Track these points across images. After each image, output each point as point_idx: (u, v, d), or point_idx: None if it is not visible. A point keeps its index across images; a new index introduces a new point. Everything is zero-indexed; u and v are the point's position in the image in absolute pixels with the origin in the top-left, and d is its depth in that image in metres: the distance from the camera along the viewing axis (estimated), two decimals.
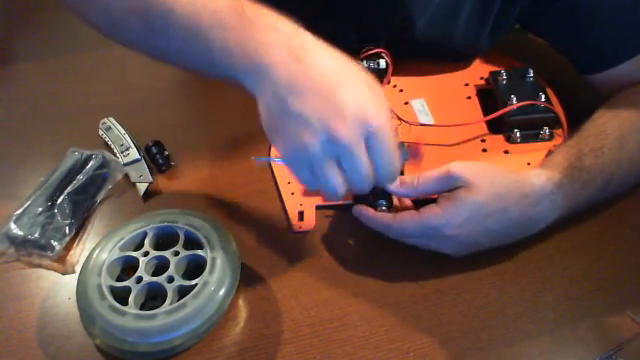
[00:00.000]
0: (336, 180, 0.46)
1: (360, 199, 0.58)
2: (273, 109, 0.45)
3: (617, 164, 0.57)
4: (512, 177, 0.54)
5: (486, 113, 0.67)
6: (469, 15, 0.69)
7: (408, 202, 0.58)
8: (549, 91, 0.69)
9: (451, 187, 0.53)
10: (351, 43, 0.70)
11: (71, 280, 0.58)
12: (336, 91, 0.44)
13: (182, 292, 0.52)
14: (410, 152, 0.58)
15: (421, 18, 0.69)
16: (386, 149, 0.45)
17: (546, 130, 0.64)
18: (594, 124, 0.60)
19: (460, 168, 0.52)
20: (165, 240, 0.56)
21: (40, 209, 0.63)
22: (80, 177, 0.66)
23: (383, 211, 0.56)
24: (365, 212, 0.56)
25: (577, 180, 0.55)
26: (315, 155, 0.44)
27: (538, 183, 0.53)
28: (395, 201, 0.58)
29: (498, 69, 0.70)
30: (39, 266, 0.60)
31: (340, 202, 0.62)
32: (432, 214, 0.52)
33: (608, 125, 0.59)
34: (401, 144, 0.56)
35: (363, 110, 0.44)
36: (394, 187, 0.54)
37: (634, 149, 0.58)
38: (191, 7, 0.47)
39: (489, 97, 0.70)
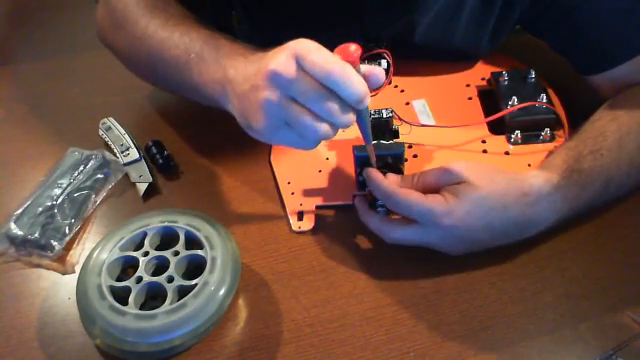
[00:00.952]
0: (310, 119, 0.46)
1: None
2: (239, 107, 0.51)
3: (616, 166, 0.57)
4: (511, 176, 0.54)
5: (487, 114, 0.67)
6: (469, 19, 0.69)
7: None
8: (550, 92, 0.69)
9: (450, 183, 0.53)
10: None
11: (71, 280, 0.58)
12: (267, 54, 0.49)
13: (182, 292, 0.52)
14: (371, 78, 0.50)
15: (422, 21, 0.69)
16: (321, 61, 0.45)
17: (547, 131, 0.64)
18: (593, 126, 0.60)
19: (460, 165, 0.53)
20: (165, 240, 0.56)
21: (40, 209, 0.63)
22: (80, 177, 0.66)
23: (383, 214, 0.57)
24: (374, 177, 0.55)
25: (576, 182, 0.55)
26: (276, 102, 0.46)
27: (536, 184, 0.54)
28: None
29: (499, 70, 0.70)
30: (39, 266, 0.60)
31: (340, 202, 0.62)
32: (436, 200, 0.52)
33: (607, 127, 0.59)
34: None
35: (288, 46, 0.46)
36: (394, 183, 0.55)
37: (633, 151, 0.58)
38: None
39: (490, 98, 0.70)
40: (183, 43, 0.58)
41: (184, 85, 0.60)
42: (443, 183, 0.54)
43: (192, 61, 0.57)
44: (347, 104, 0.46)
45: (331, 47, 0.76)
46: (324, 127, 0.47)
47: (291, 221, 0.61)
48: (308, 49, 0.45)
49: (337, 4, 0.69)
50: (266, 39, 0.76)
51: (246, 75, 0.50)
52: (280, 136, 0.49)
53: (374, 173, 0.56)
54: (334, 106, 0.46)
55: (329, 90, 0.45)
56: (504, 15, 0.69)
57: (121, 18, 0.67)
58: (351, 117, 0.47)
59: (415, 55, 0.74)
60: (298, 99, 0.46)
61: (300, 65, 0.45)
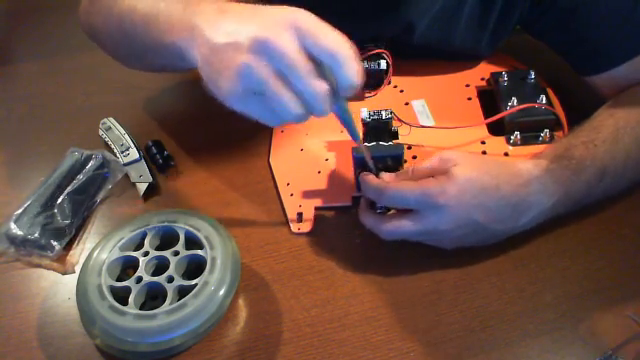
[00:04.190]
0: (289, 97, 0.44)
1: (358, 201, 0.58)
2: (208, 57, 0.46)
3: (611, 157, 0.56)
4: (501, 160, 0.56)
5: (487, 114, 0.67)
6: (469, 20, 0.69)
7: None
8: (550, 93, 0.69)
9: (444, 169, 0.53)
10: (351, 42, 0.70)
11: (71, 280, 0.58)
12: (257, 13, 0.45)
13: (182, 292, 0.52)
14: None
15: (421, 22, 0.69)
16: (328, 39, 0.43)
17: (547, 132, 0.64)
18: (590, 122, 0.60)
19: (451, 152, 0.54)
20: (165, 240, 0.56)
21: (40, 209, 0.63)
22: (80, 177, 0.66)
23: (381, 213, 0.57)
24: (364, 179, 0.56)
25: (567, 167, 0.55)
26: (256, 71, 0.43)
27: (525, 167, 0.55)
28: None
29: (499, 70, 0.70)
30: (39, 266, 0.60)
31: (339, 204, 0.62)
32: (429, 182, 0.52)
33: (603, 122, 0.59)
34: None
35: (287, 17, 0.44)
36: (390, 177, 0.55)
37: (630, 143, 0.57)
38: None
39: (490, 98, 0.70)
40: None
41: (154, 45, 0.55)
42: (437, 171, 0.54)
43: (160, 13, 0.54)
44: (334, 90, 0.44)
45: None
46: (300, 109, 0.44)
47: (290, 223, 0.61)
48: (314, 25, 0.43)
49: (334, 6, 0.69)
50: None
51: (221, 27, 0.46)
52: (247, 105, 0.45)
53: (364, 176, 0.56)
54: (323, 88, 0.43)
55: (321, 70, 0.43)
56: (504, 16, 0.69)
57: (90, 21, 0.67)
58: (330, 106, 0.45)
59: (415, 55, 0.74)
60: (285, 73, 0.43)
61: (300, 39, 0.43)
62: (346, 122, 0.49)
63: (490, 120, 0.64)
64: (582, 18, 0.64)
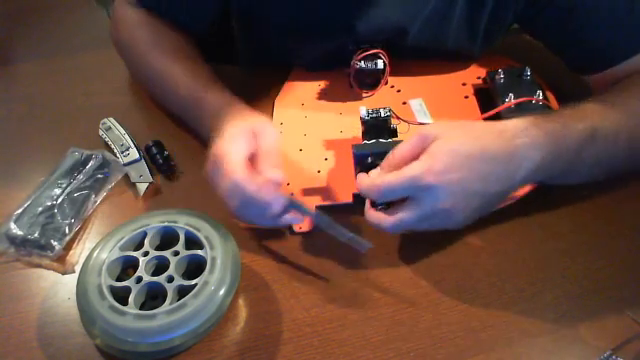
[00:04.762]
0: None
1: (359, 198, 0.58)
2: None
3: (601, 119, 0.55)
4: (482, 122, 0.54)
5: (484, 112, 0.67)
6: (460, 21, 0.70)
7: None
8: (546, 89, 0.69)
9: (425, 147, 0.51)
10: (347, 45, 0.70)
11: (71, 280, 0.58)
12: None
13: (182, 292, 0.52)
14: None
15: (413, 25, 0.69)
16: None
17: None
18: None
19: (430, 126, 0.53)
20: (165, 240, 0.56)
21: (40, 209, 0.63)
22: (80, 177, 0.66)
23: (382, 210, 0.56)
24: (358, 181, 0.55)
25: (554, 121, 0.54)
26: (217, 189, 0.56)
27: (510, 123, 0.53)
28: None
29: (495, 69, 0.70)
30: (39, 266, 0.60)
31: (340, 202, 0.62)
32: (412, 165, 0.50)
33: (591, 100, 0.58)
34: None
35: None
36: (375, 173, 0.54)
37: (620, 113, 0.57)
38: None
39: (487, 96, 0.70)
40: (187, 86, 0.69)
41: (184, 116, 0.72)
42: (420, 150, 0.52)
43: (204, 106, 0.66)
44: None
45: (325, 52, 0.79)
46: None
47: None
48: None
49: (327, 13, 0.70)
50: (262, 44, 0.78)
51: (208, 157, 0.58)
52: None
53: (358, 178, 0.55)
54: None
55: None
56: (496, 16, 0.69)
57: (127, 47, 0.77)
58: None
59: (410, 56, 0.74)
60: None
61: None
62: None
63: (487, 114, 0.65)
64: (579, 18, 0.64)
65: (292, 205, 0.56)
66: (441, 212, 0.51)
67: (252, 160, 0.57)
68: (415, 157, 0.51)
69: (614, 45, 0.64)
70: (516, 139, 0.51)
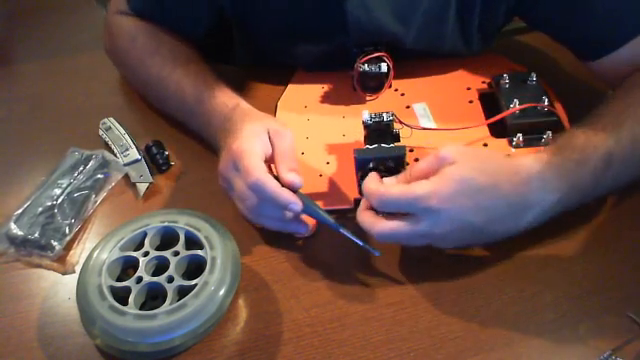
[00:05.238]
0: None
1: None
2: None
3: (615, 141, 0.54)
4: (501, 156, 0.53)
5: (488, 117, 0.67)
6: (455, 22, 0.69)
7: None
8: (551, 95, 0.69)
9: (439, 168, 0.51)
10: (345, 46, 0.70)
11: (71, 280, 0.58)
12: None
13: (182, 292, 0.52)
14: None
15: (409, 32, 0.69)
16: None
17: (549, 134, 0.63)
18: (590, 112, 0.59)
19: (449, 148, 0.52)
20: (165, 240, 0.56)
21: (40, 209, 0.63)
22: (80, 177, 0.66)
23: (378, 215, 0.56)
24: (364, 184, 0.54)
25: (569, 158, 0.53)
26: (232, 188, 0.58)
27: (525, 162, 0.52)
28: None
29: (500, 73, 0.69)
30: (39, 266, 0.60)
31: (341, 207, 0.62)
32: (420, 184, 0.50)
33: (602, 111, 0.58)
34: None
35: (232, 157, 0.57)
36: (391, 181, 0.54)
37: (634, 125, 0.56)
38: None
39: (491, 101, 0.69)
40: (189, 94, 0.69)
41: (188, 122, 0.72)
42: (433, 170, 0.52)
43: (211, 111, 0.66)
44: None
45: (324, 55, 0.79)
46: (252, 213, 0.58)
47: None
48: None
49: (321, 19, 0.70)
50: (260, 46, 0.78)
51: (222, 155, 0.60)
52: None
53: (366, 181, 0.54)
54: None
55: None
56: (488, 12, 0.69)
57: (125, 56, 0.77)
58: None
59: (411, 57, 0.74)
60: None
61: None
62: (316, 217, 0.57)
63: (492, 120, 0.64)
64: (580, 1, 0.63)
65: (308, 209, 0.56)
66: (435, 236, 0.52)
67: (267, 162, 0.57)
68: (428, 176, 0.51)
69: (617, 27, 0.63)
70: (529, 184, 0.51)
